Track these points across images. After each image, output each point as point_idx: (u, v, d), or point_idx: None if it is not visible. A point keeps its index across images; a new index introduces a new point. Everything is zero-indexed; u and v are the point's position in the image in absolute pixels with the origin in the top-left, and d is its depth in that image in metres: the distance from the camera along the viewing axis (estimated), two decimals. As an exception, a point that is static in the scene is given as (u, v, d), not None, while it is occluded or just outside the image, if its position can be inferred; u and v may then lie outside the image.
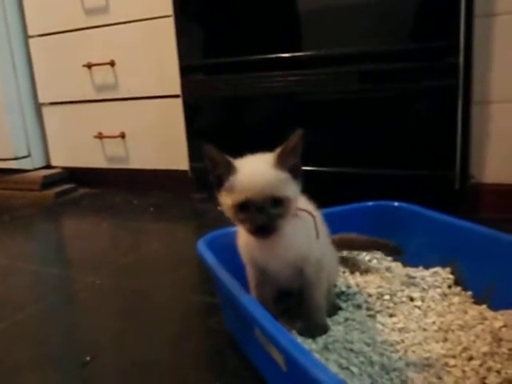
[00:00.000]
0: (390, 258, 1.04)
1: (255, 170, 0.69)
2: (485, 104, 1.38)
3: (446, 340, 0.74)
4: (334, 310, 0.85)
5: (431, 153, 1.41)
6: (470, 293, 0.87)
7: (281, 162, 0.68)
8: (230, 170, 0.69)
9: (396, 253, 0.99)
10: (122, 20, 1.90)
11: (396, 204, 1.05)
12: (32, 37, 2.13)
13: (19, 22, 2.15)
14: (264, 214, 0.67)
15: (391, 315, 0.83)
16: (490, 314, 0.79)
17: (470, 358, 0.69)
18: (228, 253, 0.82)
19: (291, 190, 0.69)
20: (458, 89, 1.34)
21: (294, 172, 0.70)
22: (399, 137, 1.45)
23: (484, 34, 1.34)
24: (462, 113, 1.36)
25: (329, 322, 0.81)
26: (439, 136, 1.40)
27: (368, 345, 0.74)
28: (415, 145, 1.43)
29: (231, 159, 0.70)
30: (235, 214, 0.69)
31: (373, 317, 0.83)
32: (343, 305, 0.86)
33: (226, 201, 0.70)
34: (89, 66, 2.00)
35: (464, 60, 1.33)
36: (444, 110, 1.38)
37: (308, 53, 1.53)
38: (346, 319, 0.82)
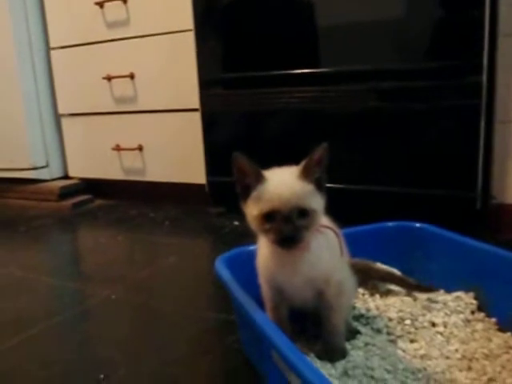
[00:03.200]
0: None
1: (283, 181, 0.69)
2: (508, 123, 1.36)
3: (470, 369, 0.72)
4: (351, 334, 0.83)
5: (452, 172, 1.39)
6: (494, 319, 0.84)
7: (306, 174, 0.69)
8: (259, 179, 0.69)
9: (423, 291, 0.96)
10: (143, 33, 1.91)
11: (418, 225, 1.03)
12: (54, 49, 2.16)
13: (41, 34, 2.18)
14: (290, 225, 0.67)
15: (412, 341, 0.81)
16: (515, 342, 0.77)
17: (496, 390, 0.66)
18: (246, 272, 0.81)
19: (317, 202, 0.69)
20: (481, 108, 1.32)
21: (319, 185, 0.70)
22: (420, 155, 1.43)
23: (508, 53, 1.32)
24: (484, 132, 1.34)
25: (348, 346, 0.79)
26: (461, 155, 1.38)
27: (389, 372, 0.71)
28: (436, 164, 1.41)
29: (260, 169, 0.70)
30: (261, 224, 0.69)
31: (393, 342, 0.80)
32: (363, 329, 0.84)
33: (253, 211, 0.69)
34: (108, 78, 2.01)
35: (487, 79, 1.31)
36: (466, 129, 1.36)
37: (328, 69, 1.52)
38: (366, 344, 0.79)
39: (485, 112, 1.33)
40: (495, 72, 1.34)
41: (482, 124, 1.33)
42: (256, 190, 0.69)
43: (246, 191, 0.70)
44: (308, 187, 0.69)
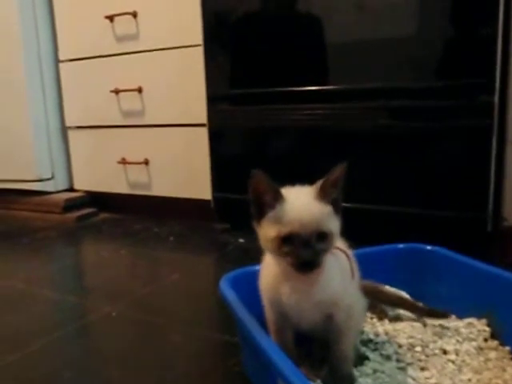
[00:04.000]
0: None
1: (302, 203, 0.66)
2: (520, 144, 1.33)
3: (484, 401, 0.69)
4: (359, 360, 0.79)
5: (463, 193, 1.36)
6: (508, 348, 0.81)
7: (323, 195, 0.66)
8: (278, 199, 0.66)
9: (436, 316, 0.92)
10: (152, 47, 1.91)
11: (429, 247, 1.00)
12: (63, 61, 2.16)
13: (51, 47, 2.18)
14: (310, 250, 0.64)
15: (423, 368, 0.77)
16: (531, 373, 0.74)
17: (512, 424, 0.63)
18: (251, 292, 0.78)
19: (334, 224, 0.67)
20: (493, 128, 1.30)
21: (335, 206, 0.67)
22: (430, 175, 1.41)
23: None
24: (496, 153, 1.31)
25: (356, 372, 0.76)
26: (472, 176, 1.35)
27: (399, 401, 0.68)
28: (446, 184, 1.39)
29: (279, 189, 0.67)
30: (278, 247, 0.66)
31: (403, 369, 0.77)
32: (371, 355, 0.81)
33: (269, 232, 0.66)
34: (116, 91, 2.01)
35: (499, 99, 1.29)
36: (477, 149, 1.34)
37: (336, 86, 1.50)
38: (375, 371, 0.76)
39: (497, 132, 1.31)
40: (507, 92, 1.32)
41: (494, 144, 1.31)
42: (273, 211, 0.66)
43: (261, 210, 0.67)
44: (326, 209, 0.66)
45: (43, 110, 2.18)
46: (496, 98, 1.29)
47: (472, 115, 1.32)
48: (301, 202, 0.66)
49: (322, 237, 0.65)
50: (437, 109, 1.37)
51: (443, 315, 0.91)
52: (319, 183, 0.67)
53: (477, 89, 1.31)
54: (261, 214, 0.68)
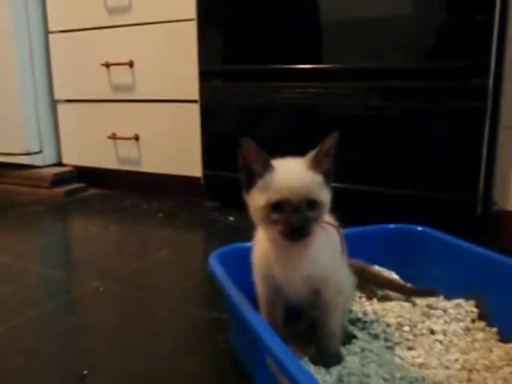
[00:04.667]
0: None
1: (292, 171, 0.66)
2: (513, 129, 1.33)
3: (470, 381, 0.69)
4: (347, 338, 0.79)
5: (454, 175, 1.37)
6: (495, 329, 0.82)
7: (315, 165, 0.66)
8: (267, 167, 0.66)
9: (423, 295, 0.93)
10: (144, 21, 1.87)
11: (419, 228, 1.00)
12: (52, 32, 2.11)
13: (40, 17, 2.13)
14: (299, 216, 0.64)
15: (410, 348, 0.78)
16: (517, 354, 0.74)
17: (497, 404, 0.63)
18: (239, 269, 0.78)
19: (325, 194, 0.67)
20: (486, 112, 1.29)
21: (327, 177, 0.67)
22: (421, 157, 1.40)
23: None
24: (488, 136, 1.31)
25: (344, 351, 0.76)
26: (463, 159, 1.35)
27: (386, 380, 0.68)
28: (437, 166, 1.38)
29: (268, 157, 0.67)
30: (267, 215, 0.65)
31: (391, 349, 0.77)
32: (359, 333, 0.81)
33: (258, 201, 0.66)
34: (107, 65, 1.97)
35: (494, 82, 1.28)
36: (470, 132, 1.33)
37: (330, 65, 1.49)
38: (363, 350, 0.76)
39: (490, 116, 1.30)
40: (502, 75, 1.31)
41: (487, 128, 1.30)
42: (263, 179, 0.66)
43: (251, 180, 0.67)
44: (317, 178, 0.66)
45: (31, 82, 2.14)
46: (490, 81, 1.28)
47: (465, 98, 1.31)
48: (291, 170, 0.66)
49: (312, 205, 0.65)
50: (430, 90, 1.36)
51: (430, 293, 0.91)
52: (311, 153, 0.67)
53: (471, 71, 1.30)
54: (250, 184, 0.67)
